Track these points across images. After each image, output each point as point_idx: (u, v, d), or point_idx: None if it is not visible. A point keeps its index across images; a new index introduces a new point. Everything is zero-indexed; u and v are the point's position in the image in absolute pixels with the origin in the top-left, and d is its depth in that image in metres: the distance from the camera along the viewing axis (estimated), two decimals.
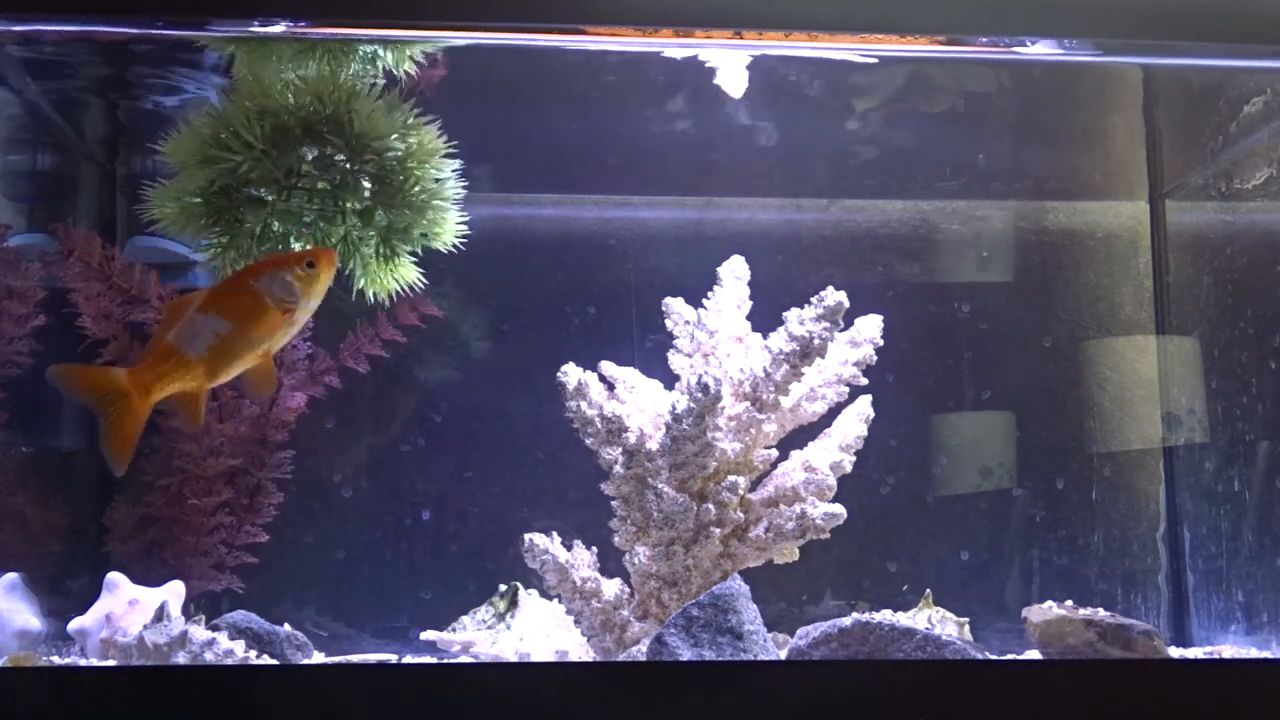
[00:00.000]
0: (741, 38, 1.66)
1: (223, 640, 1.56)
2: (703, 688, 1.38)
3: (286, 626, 1.70)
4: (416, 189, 1.69)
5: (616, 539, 1.73)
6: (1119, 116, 2.27)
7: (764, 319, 1.80)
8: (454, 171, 1.74)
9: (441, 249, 1.78)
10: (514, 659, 1.73)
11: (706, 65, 1.95)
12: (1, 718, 1.32)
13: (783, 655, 1.57)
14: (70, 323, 1.85)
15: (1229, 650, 1.96)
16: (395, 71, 1.75)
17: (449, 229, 1.77)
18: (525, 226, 2.20)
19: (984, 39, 1.64)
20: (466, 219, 1.78)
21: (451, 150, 1.74)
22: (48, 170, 2.13)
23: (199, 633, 1.56)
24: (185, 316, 1.54)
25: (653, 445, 1.69)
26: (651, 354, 1.93)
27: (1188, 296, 2.17)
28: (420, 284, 1.80)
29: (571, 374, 1.75)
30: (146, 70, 1.90)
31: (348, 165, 1.66)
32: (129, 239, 2.00)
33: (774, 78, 2.07)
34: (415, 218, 1.71)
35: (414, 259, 1.78)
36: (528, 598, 1.82)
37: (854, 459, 1.78)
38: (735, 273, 1.86)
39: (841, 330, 1.74)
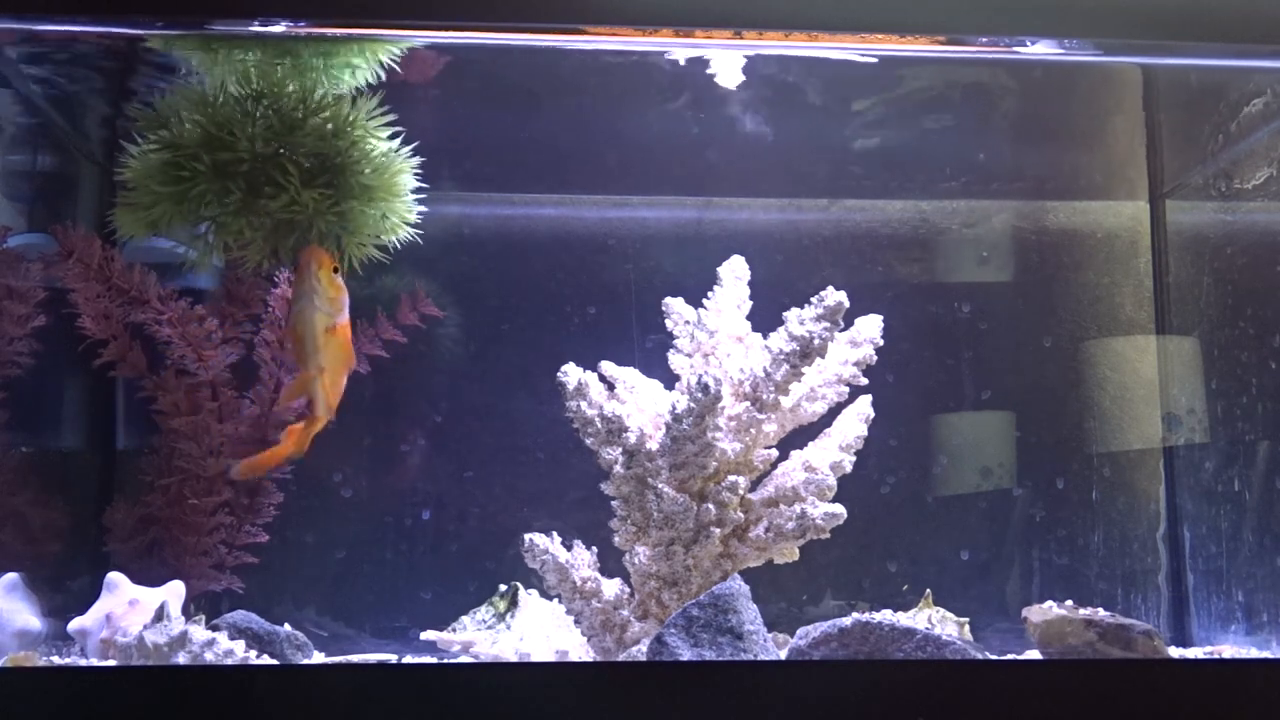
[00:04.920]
0: (741, 38, 1.66)
1: (223, 640, 1.56)
2: (703, 688, 1.37)
3: (286, 626, 1.70)
4: (365, 172, 1.67)
5: (616, 539, 1.73)
6: (1119, 116, 2.26)
7: (764, 319, 1.80)
8: (402, 155, 1.72)
9: (395, 242, 1.76)
10: (514, 659, 1.73)
11: (707, 65, 1.95)
12: (2, 717, 1.32)
13: (783, 655, 1.57)
14: (70, 323, 1.85)
15: (1229, 650, 1.96)
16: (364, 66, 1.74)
17: (401, 215, 1.74)
18: (525, 226, 2.20)
19: (984, 39, 1.64)
20: (423, 211, 1.75)
21: (397, 133, 1.72)
22: (48, 170, 2.13)
23: (199, 633, 1.56)
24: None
25: (653, 445, 1.69)
26: (651, 354, 1.92)
27: (1188, 296, 2.17)
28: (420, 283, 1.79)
29: (571, 374, 1.75)
30: (147, 69, 1.89)
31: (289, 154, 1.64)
32: (128, 239, 2.00)
33: (774, 78, 2.07)
34: (363, 205, 1.69)
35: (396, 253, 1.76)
36: (528, 598, 1.82)
37: (854, 459, 1.78)
38: (735, 273, 1.86)
39: (841, 330, 1.74)
